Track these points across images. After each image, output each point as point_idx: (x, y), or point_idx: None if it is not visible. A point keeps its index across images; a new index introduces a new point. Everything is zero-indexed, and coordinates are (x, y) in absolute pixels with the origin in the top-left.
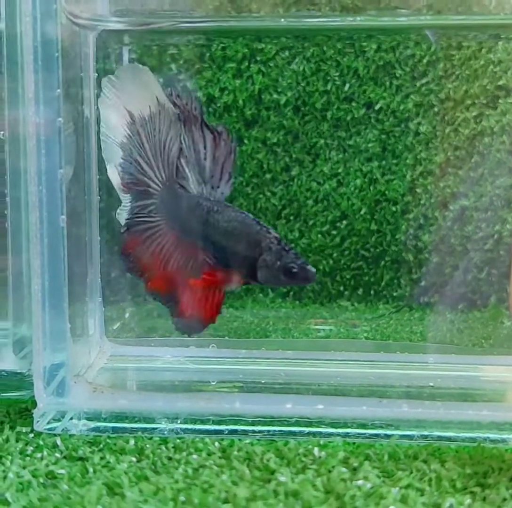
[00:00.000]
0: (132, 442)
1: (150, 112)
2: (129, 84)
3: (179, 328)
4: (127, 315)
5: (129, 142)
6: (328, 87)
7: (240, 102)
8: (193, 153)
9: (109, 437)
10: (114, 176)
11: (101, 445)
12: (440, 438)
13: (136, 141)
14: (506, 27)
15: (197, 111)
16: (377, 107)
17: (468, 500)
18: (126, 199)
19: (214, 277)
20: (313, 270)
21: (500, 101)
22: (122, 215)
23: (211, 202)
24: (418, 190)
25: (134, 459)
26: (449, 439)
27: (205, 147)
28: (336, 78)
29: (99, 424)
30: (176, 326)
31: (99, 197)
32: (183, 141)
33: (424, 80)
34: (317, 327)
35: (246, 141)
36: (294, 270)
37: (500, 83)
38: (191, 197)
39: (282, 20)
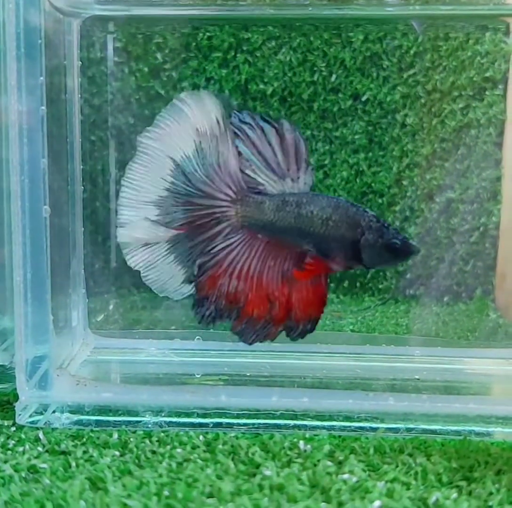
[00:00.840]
0: (115, 435)
1: (209, 138)
2: (191, 109)
3: (295, 336)
4: (111, 307)
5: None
6: (315, 77)
7: (226, 92)
8: (258, 155)
9: (92, 431)
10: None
11: (84, 439)
12: (426, 431)
13: (199, 176)
14: (493, 18)
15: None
16: (364, 98)
17: (454, 494)
18: (181, 243)
19: (318, 266)
20: (415, 244)
21: (487, 93)
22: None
23: (297, 196)
24: (404, 182)
25: (117, 453)
26: (435, 432)
27: (270, 144)
28: (323, 69)
29: (82, 417)
30: (292, 336)
31: (82, 187)
32: (242, 148)
33: (411, 71)
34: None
35: None
36: (397, 245)
37: (487, 74)
38: (274, 197)
39: (269, 9)
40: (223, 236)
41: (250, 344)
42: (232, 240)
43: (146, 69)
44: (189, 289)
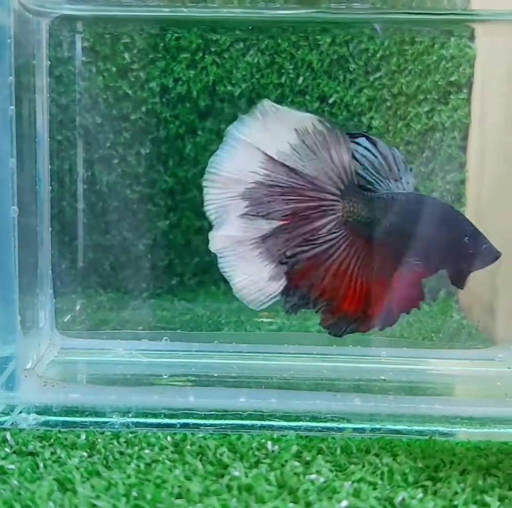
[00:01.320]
0: (83, 436)
1: (313, 135)
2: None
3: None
4: (78, 307)
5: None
6: (282, 79)
7: (194, 93)
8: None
9: (59, 432)
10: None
11: (52, 440)
12: (392, 431)
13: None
14: (459, 23)
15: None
16: (330, 100)
17: (420, 494)
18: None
19: (421, 270)
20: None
21: (451, 96)
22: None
23: (405, 195)
24: None
25: (85, 454)
26: (400, 432)
27: (369, 150)
28: (290, 71)
29: (49, 418)
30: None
31: (50, 187)
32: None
33: (377, 75)
34: (269, 320)
35: (199, 133)
36: (493, 250)
37: (452, 79)
38: (383, 195)
39: (237, 11)
40: (327, 230)
41: (340, 336)
42: (334, 235)
43: (114, 69)
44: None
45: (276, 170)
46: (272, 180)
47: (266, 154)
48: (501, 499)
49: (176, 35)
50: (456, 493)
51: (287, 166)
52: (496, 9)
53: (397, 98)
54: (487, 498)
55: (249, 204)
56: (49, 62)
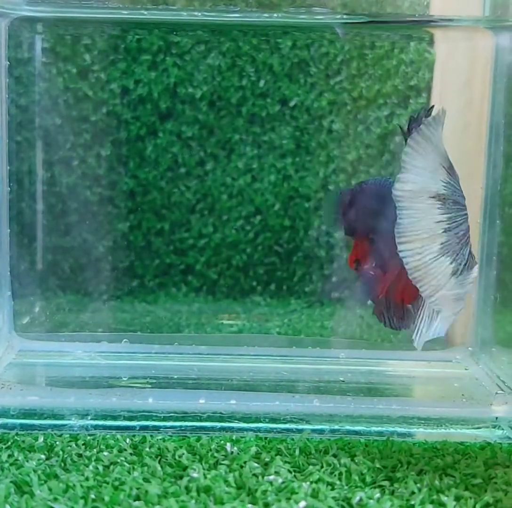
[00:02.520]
0: (41, 439)
1: None
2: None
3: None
4: (36, 309)
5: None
6: (243, 82)
7: (155, 94)
8: None
9: (17, 434)
10: None
11: (9, 443)
12: (350, 432)
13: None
14: (418, 28)
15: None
16: (291, 104)
17: (377, 494)
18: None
19: None
20: None
21: (411, 101)
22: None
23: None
24: (330, 187)
25: (43, 456)
26: (359, 433)
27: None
28: (251, 74)
29: (7, 421)
30: None
31: (9, 188)
32: None
33: (337, 78)
34: (229, 322)
35: (160, 135)
36: None
37: (412, 83)
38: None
39: (198, 14)
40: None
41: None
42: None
43: (74, 70)
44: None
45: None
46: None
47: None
48: (457, 498)
49: (137, 36)
50: (413, 493)
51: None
52: (454, 15)
53: (357, 102)
54: (444, 498)
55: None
56: (9, 63)
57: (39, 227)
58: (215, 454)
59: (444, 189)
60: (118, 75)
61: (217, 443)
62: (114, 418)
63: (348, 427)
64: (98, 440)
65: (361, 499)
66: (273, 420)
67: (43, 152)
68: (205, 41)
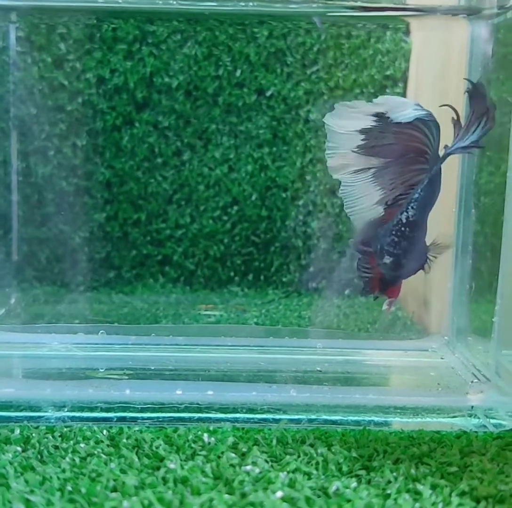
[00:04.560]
0: (17, 431)
1: None
2: None
3: None
4: (12, 300)
5: None
6: (220, 72)
7: (131, 84)
8: None
9: None
10: None
11: None
12: (327, 422)
13: None
14: (394, 18)
15: None
16: (268, 93)
17: (353, 483)
18: None
19: None
20: None
21: (387, 90)
22: None
23: None
24: (307, 177)
25: (19, 448)
26: (335, 422)
27: None
28: (228, 64)
29: None
30: None
31: None
32: None
33: (314, 68)
34: (207, 312)
35: (136, 124)
36: None
37: (388, 73)
38: None
39: (174, 2)
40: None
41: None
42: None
43: (49, 60)
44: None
45: None
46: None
47: None
48: (433, 487)
49: (112, 25)
50: (389, 482)
51: None
52: (430, 4)
53: (334, 91)
54: (420, 487)
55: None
56: None
57: (14, 217)
58: (192, 445)
59: None
60: (93, 65)
61: (194, 433)
62: (91, 409)
63: (325, 417)
64: (74, 432)
65: (338, 489)
66: (250, 410)
67: (18, 142)
68: (181, 30)
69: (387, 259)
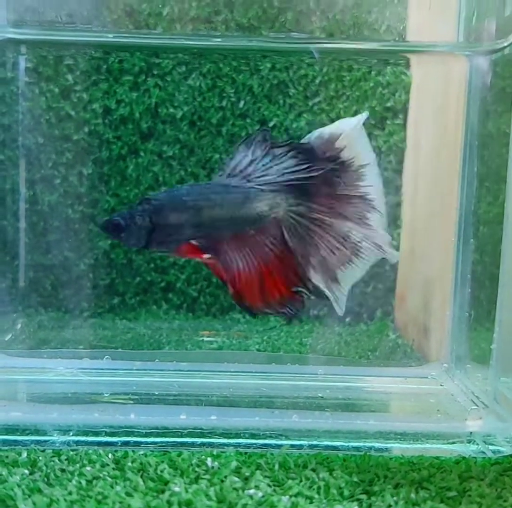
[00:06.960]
0: (24, 454)
1: None
2: None
3: None
4: (18, 326)
5: None
6: (224, 103)
7: (137, 114)
8: None
9: (0, 450)
10: None
11: None
12: (328, 447)
13: None
14: (395, 53)
15: None
16: (271, 124)
17: (355, 507)
18: None
19: None
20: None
21: (387, 122)
22: None
23: None
24: None
25: (26, 471)
26: (337, 448)
27: None
28: (232, 95)
29: None
30: None
31: None
32: None
33: (316, 100)
34: (209, 339)
35: (141, 154)
36: None
37: (388, 104)
38: None
39: (180, 38)
40: None
41: None
42: None
43: (56, 90)
44: None
45: None
46: None
47: None
48: None
49: (119, 58)
50: (389, 506)
51: None
52: (429, 42)
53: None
54: None
55: None
56: None
57: (21, 244)
58: (196, 469)
59: None
60: (100, 95)
61: (198, 458)
62: (96, 433)
63: (326, 442)
64: (80, 455)
65: None
66: (253, 435)
67: (26, 171)
68: (186, 62)
69: None
